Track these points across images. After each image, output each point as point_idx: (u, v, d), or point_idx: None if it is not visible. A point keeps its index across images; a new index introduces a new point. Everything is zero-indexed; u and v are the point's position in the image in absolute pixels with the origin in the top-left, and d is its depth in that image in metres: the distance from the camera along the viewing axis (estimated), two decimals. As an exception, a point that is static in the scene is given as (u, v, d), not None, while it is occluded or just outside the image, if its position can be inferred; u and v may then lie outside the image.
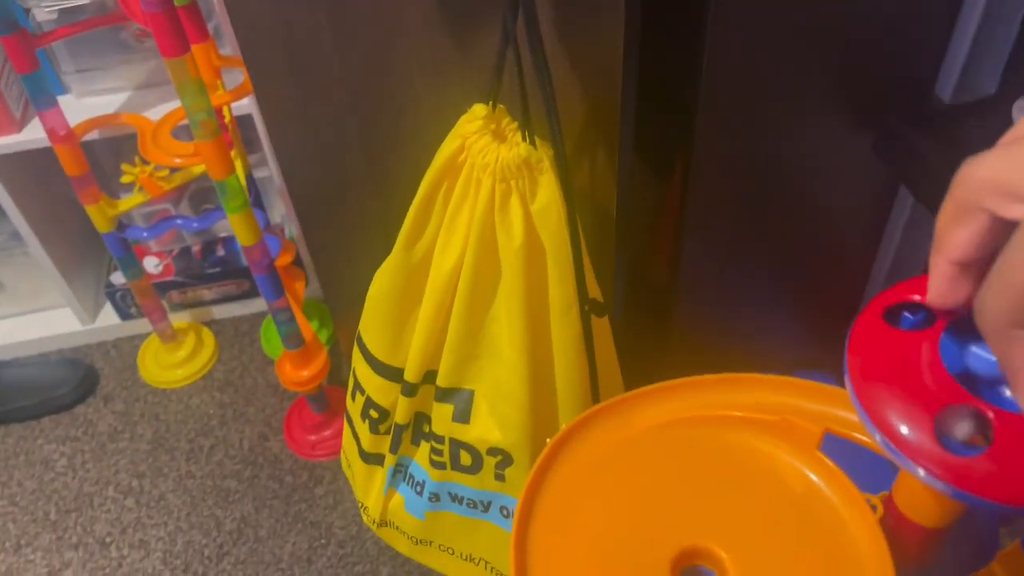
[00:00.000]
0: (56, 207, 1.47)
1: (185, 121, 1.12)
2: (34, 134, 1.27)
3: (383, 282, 0.63)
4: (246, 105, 1.30)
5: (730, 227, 0.67)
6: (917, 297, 0.36)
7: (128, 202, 1.28)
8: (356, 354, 0.69)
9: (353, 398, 0.71)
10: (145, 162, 1.22)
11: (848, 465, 0.44)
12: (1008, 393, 0.35)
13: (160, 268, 1.53)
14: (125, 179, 1.23)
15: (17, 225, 1.41)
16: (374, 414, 0.68)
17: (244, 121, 1.34)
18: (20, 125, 1.28)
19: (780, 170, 0.68)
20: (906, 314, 0.38)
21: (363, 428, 0.70)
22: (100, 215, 1.27)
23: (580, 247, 0.57)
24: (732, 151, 0.67)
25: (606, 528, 0.43)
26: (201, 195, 1.51)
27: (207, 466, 1.40)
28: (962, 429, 0.34)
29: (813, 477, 0.43)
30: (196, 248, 1.56)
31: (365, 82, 0.70)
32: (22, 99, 1.30)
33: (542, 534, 0.43)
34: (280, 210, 1.58)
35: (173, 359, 1.53)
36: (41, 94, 1.13)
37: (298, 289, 1.43)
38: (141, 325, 1.58)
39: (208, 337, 1.58)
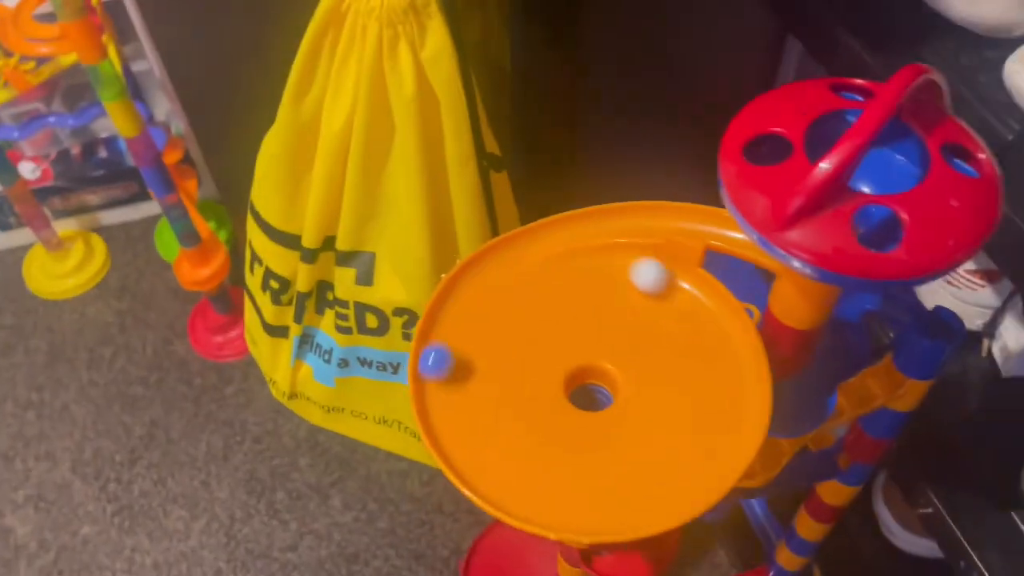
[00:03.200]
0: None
1: (46, 4, 1.04)
2: None
3: (272, 145, 0.60)
4: (114, -12, 1.22)
5: (620, 77, 0.67)
6: (775, 128, 0.37)
7: (-7, 98, 1.19)
8: (251, 224, 0.67)
9: (252, 270, 0.70)
10: (9, 54, 1.13)
11: (729, 283, 0.46)
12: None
13: (38, 173, 1.44)
14: (-13, 73, 1.14)
15: None
16: (275, 284, 0.67)
17: (114, 8, 1.25)
18: None
19: (668, 19, 0.68)
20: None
21: (264, 300, 0.69)
22: (-38, 114, 1.18)
23: (475, 99, 0.56)
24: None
25: (501, 355, 0.44)
26: (75, 92, 1.41)
27: (110, 374, 1.37)
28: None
29: (695, 292, 0.45)
30: (76, 151, 1.47)
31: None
32: None
33: (438, 385, 0.43)
34: (164, 107, 1.49)
35: (62, 268, 1.46)
36: None
37: (190, 188, 1.37)
38: (23, 235, 1.49)
39: (98, 244, 1.51)
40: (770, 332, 0.46)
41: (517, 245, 0.47)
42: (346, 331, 0.67)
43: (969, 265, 0.72)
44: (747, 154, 0.37)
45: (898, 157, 0.38)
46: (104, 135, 1.48)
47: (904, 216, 0.34)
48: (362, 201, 0.60)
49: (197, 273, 1.26)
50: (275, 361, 0.74)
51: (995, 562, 0.67)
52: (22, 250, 1.50)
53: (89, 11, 0.94)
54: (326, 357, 0.69)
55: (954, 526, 0.68)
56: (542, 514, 0.39)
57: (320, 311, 0.69)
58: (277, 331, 0.73)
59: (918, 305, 0.55)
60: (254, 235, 0.68)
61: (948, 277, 0.74)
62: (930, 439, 0.73)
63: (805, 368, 0.51)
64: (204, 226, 1.26)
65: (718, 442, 0.41)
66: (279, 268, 0.67)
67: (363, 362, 0.69)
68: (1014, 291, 0.71)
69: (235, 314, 1.37)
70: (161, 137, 1.20)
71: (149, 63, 1.39)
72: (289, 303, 0.69)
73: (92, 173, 1.46)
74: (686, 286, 0.45)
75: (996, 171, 0.36)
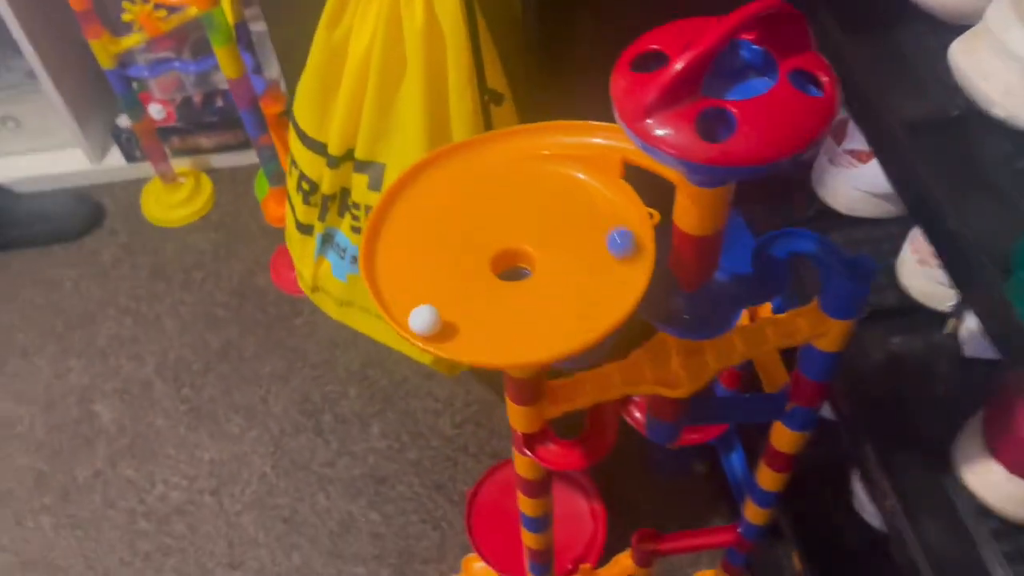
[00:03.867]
0: (67, 50, 1.57)
1: (177, -44, 1.21)
2: (43, -31, 1.36)
3: (309, 65, 0.72)
4: (240, -46, 1.38)
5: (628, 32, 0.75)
6: (655, 46, 0.45)
7: (129, 40, 1.38)
8: (291, 134, 0.79)
9: (290, 174, 0.82)
10: (145, 0, 1.31)
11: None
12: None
13: (163, 114, 1.64)
14: (126, 17, 1.33)
15: (32, 63, 1.52)
16: (305, 186, 0.79)
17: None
18: (31, -39, 1.37)
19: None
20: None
21: (297, 200, 0.81)
22: (103, 50, 1.37)
23: (478, 37, 0.66)
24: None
25: (440, 241, 0.53)
26: (202, 44, 1.60)
27: (199, 295, 1.54)
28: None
29: (612, 195, 0.53)
30: (197, 98, 1.66)
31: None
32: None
33: (388, 248, 0.53)
34: (277, 67, 1.66)
35: (173, 200, 1.65)
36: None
37: (286, 138, 1.53)
38: (145, 169, 1.69)
39: (206, 183, 1.69)
40: (676, 239, 0.54)
41: (467, 153, 0.57)
42: (358, 231, 0.78)
43: (938, 244, 0.77)
44: (634, 67, 0.45)
45: (757, 79, 0.45)
46: (223, 87, 1.66)
47: (737, 116, 0.42)
48: (377, 118, 0.70)
49: (281, 210, 1.40)
50: (303, 256, 0.86)
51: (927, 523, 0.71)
52: (142, 181, 1.70)
53: (208, -36, 1.10)
54: (342, 254, 0.80)
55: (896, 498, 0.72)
56: (456, 347, 0.48)
57: (341, 214, 0.80)
58: (305, 229, 0.84)
59: (842, 252, 0.62)
60: (293, 142, 0.80)
61: (920, 256, 0.79)
62: (888, 412, 0.78)
63: (719, 281, 0.58)
64: (292, 170, 1.41)
65: (604, 302, 0.49)
66: (309, 171, 0.79)
67: (372, 261, 0.79)
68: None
69: (312, 255, 1.52)
70: (260, 84, 1.36)
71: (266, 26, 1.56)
72: (316, 204, 0.80)
73: (208, 119, 1.64)
74: (604, 190, 0.54)
75: (835, 96, 0.44)
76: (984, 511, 0.69)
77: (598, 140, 0.55)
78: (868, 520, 0.94)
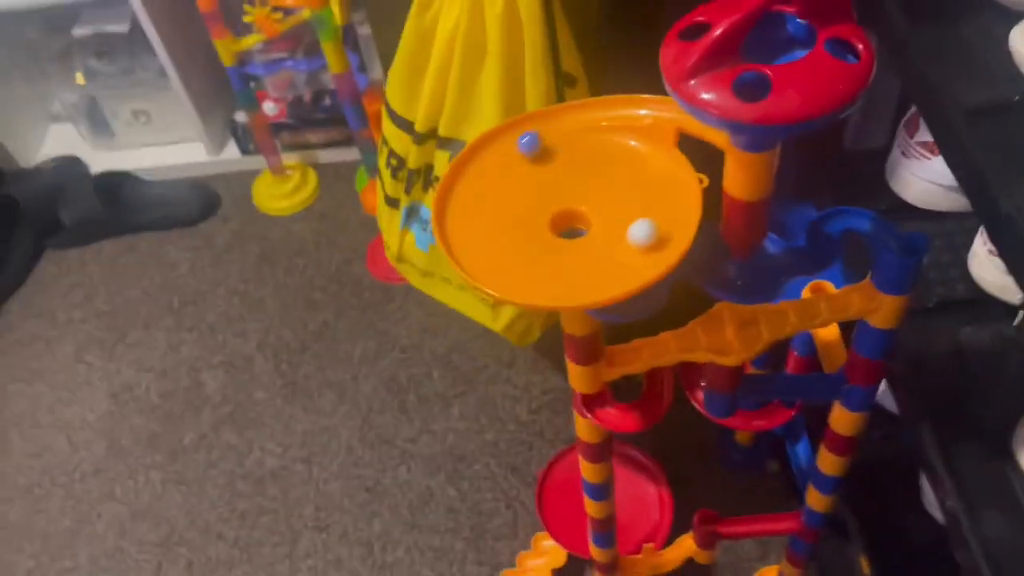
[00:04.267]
0: (193, 50, 1.71)
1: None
2: (176, -25, 1.49)
3: (401, 48, 0.79)
4: (352, -39, 1.48)
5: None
6: (702, 18, 0.49)
7: (248, 40, 1.49)
8: (383, 114, 0.86)
9: (381, 152, 0.89)
10: (263, 3, 1.42)
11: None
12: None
13: (276, 111, 1.76)
14: (247, 18, 1.44)
15: (164, 63, 1.66)
16: (394, 162, 0.85)
17: (351, -23, 1.52)
18: (166, -32, 1.51)
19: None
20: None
21: (386, 175, 0.87)
22: (225, 49, 1.49)
23: (554, 20, 0.71)
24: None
25: (505, 203, 0.58)
26: (315, 47, 1.71)
27: (300, 279, 1.64)
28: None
29: (666, 162, 0.57)
30: (307, 97, 1.78)
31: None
32: (169, -54, 1.52)
33: (458, 209, 0.59)
34: (380, 70, 1.76)
35: (281, 191, 1.76)
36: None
37: (388, 135, 1.62)
38: (257, 161, 1.82)
39: (312, 176, 1.80)
40: (726, 206, 0.58)
41: (532, 124, 0.62)
42: (440, 203, 0.85)
43: (1007, 234, 0.77)
44: (682, 37, 0.50)
45: (797, 49, 0.49)
46: (331, 87, 1.77)
47: (773, 79, 0.45)
48: (460, 99, 0.76)
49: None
50: (390, 227, 0.92)
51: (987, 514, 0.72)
52: (254, 173, 1.83)
53: (321, -32, 1.20)
54: (424, 226, 0.87)
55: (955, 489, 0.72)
56: (503, 285, 0.53)
57: (425, 188, 0.86)
58: (392, 202, 0.91)
59: (894, 229, 0.64)
60: (384, 121, 0.87)
61: (991, 247, 0.79)
62: (952, 400, 0.78)
63: (771, 253, 0.61)
64: (390, 163, 1.49)
65: (651, 260, 0.53)
66: (398, 148, 0.85)
67: (451, 232, 0.85)
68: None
69: (406, 245, 1.60)
70: (363, 81, 1.45)
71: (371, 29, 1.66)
72: (403, 180, 0.87)
73: (316, 116, 1.75)
74: (660, 157, 0.58)
75: (871, 62, 0.47)
76: (1042, 498, 0.69)
77: (654, 112, 0.59)
78: (937, 516, 0.94)
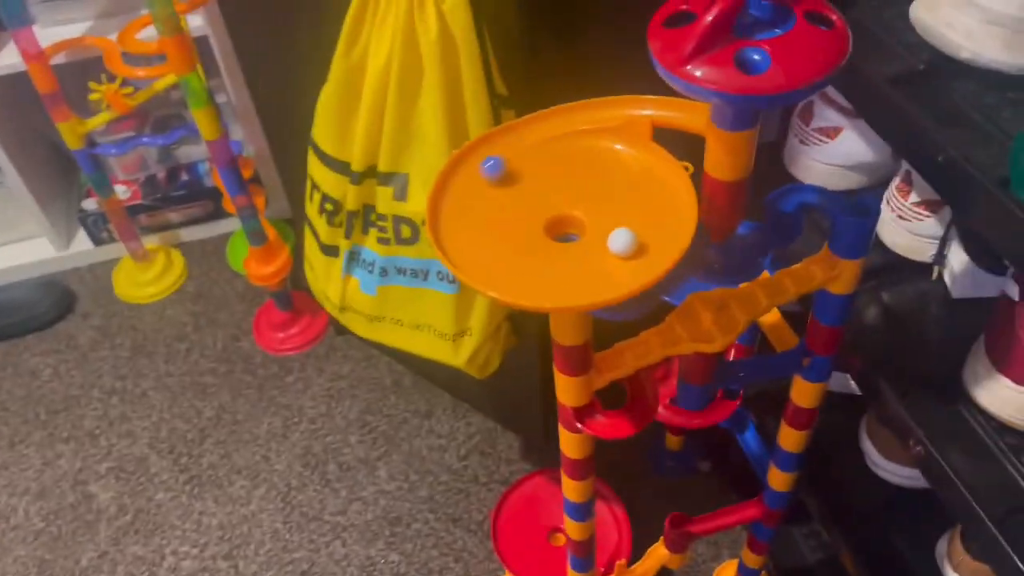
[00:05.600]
0: (29, 140, 1.58)
1: (148, 28, 1.25)
2: (7, 59, 1.38)
3: (328, 88, 0.76)
4: (201, 27, 1.43)
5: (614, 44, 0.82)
6: (684, 6, 0.51)
7: (97, 119, 1.40)
8: (311, 158, 0.82)
9: (311, 199, 0.85)
10: (111, 79, 1.34)
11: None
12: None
13: (128, 194, 1.65)
14: (93, 96, 1.35)
15: (-5, 156, 1.52)
16: (329, 207, 0.82)
17: (200, 44, 1.47)
18: (-8, 53, 1.39)
19: None
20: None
21: (321, 223, 0.84)
22: (71, 132, 1.39)
23: (486, 44, 0.71)
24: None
25: (497, 210, 0.57)
26: (163, 122, 1.63)
27: (184, 366, 1.53)
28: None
29: (646, 157, 0.58)
30: (161, 175, 1.68)
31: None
32: (-8, 30, 1.41)
33: (450, 209, 0.57)
34: (239, 135, 1.70)
35: (145, 277, 1.65)
36: (14, 15, 1.25)
37: (259, 203, 1.55)
38: (113, 250, 1.69)
39: (177, 257, 1.70)
40: (707, 189, 0.60)
41: (511, 133, 0.61)
42: (385, 242, 0.82)
43: (914, 197, 0.84)
44: (666, 26, 0.51)
45: (778, 29, 0.51)
46: (185, 161, 1.69)
47: (770, 51, 0.48)
48: (399, 130, 0.75)
49: (263, 270, 1.43)
50: (328, 278, 0.88)
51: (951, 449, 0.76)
52: (111, 262, 1.70)
53: (184, 31, 1.14)
54: (369, 268, 0.83)
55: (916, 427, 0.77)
56: (502, 287, 0.52)
57: (365, 231, 0.83)
58: (331, 250, 0.87)
59: (842, 198, 0.68)
60: (313, 166, 0.83)
61: (899, 212, 0.86)
62: (895, 358, 0.84)
63: (741, 235, 0.64)
64: (271, 229, 1.43)
65: (652, 254, 0.54)
66: (333, 191, 0.82)
67: (399, 270, 0.82)
68: (952, 219, 0.83)
69: (295, 313, 1.53)
70: (237, 146, 1.39)
71: (227, 95, 1.60)
72: (340, 224, 0.83)
73: (175, 193, 1.66)
74: (638, 154, 0.59)
75: (846, 27, 0.50)
76: (1000, 428, 0.74)
77: (626, 111, 0.60)
78: (882, 476, 0.99)
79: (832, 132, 0.92)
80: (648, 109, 0.60)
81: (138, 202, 1.65)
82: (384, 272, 0.83)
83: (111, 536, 1.31)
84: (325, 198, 0.83)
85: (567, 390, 0.70)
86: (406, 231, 0.79)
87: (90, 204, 1.64)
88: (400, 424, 1.41)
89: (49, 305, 1.61)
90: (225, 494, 1.35)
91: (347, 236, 0.84)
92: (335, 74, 0.76)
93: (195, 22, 1.43)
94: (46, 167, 1.64)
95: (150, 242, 1.70)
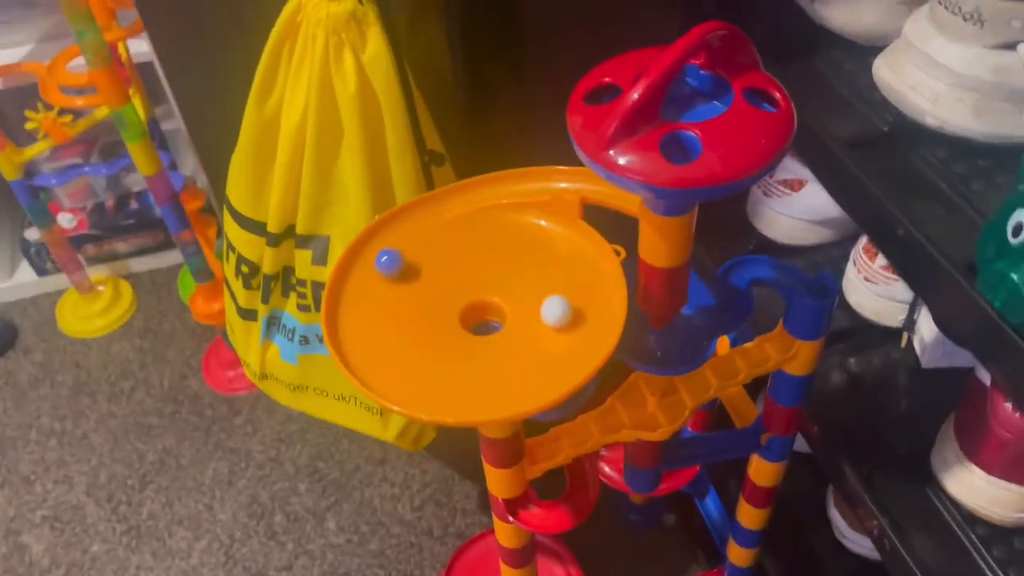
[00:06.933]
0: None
1: (80, 58, 1.18)
2: (-64, 85, 1.31)
3: (241, 143, 0.70)
4: (147, 53, 1.36)
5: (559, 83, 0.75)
6: (608, 79, 0.45)
7: (34, 148, 1.32)
8: (226, 216, 0.76)
9: (227, 259, 0.79)
10: (48, 107, 1.27)
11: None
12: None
13: (74, 223, 1.57)
14: (29, 125, 1.28)
15: (-73, 184, 1.45)
16: (245, 269, 0.75)
17: (146, 70, 1.40)
18: (-78, 78, 1.32)
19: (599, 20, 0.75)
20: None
21: (237, 285, 0.77)
22: (6, 162, 1.31)
23: (412, 98, 0.65)
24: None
25: (405, 300, 0.51)
26: (110, 148, 1.56)
27: (128, 406, 1.46)
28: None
29: (574, 237, 0.52)
30: (110, 203, 1.61)
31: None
32: (-77, 54, 1.34)
33: (351, 309, 0.51)
34: (192, 163, 1.63)
35: (91, 310, 1.57)
36: (-60, 41, 1.18)
37: (210, 234, 1.48)
38: (58, 281, 1.62)
39: (126, 288, 1.62)
40: (642, 274, 0.53)
41: (429, 205, 0.55)
42: (305, 309, 0.75)
43: (881, 260, 0.78)
44: (588, 102, 0.45)
45: (715, 103, 0.45)
46: (136, 189, 1.61)
47: (701, 137, 0.42)
48: (317, 190, 0.68)
49: (209, 307, 1.36)
50: (247, 343, 0.82)
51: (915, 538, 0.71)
52: (57, 294, 1.63)
53: (115, 62, 1.08)
54: (290, 336, 0.77)
55: (877, 511, 0.71)
56: (422, 404, 0.46)
57: (285, 294, 0.77)
58: (249, 314, 0.81)
59: (801, 273, 0.62)
60: (228, 225, 0.77)
61: (865, 273, 0.80)
62: (859, 432, 0.78)
63: (686, 316, 0.58)
64: (218, 265, 1.37)
65: (580, 349, 0.47)
66: (248, 253, 0.76)
67: (321, 339, 0.76)
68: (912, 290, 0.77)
69: (246, 350, 1.46)
70: (179, 180, 1.32)
71: (177, 122, 1.53)
72: (258, 287, 0.77)
73: (123, 223, 1.59)
74: (566, 232, 0.53)
75: (790, 109, 0.44)
76: (971, 518, 0.69)
77: (554, 184, 0.54)
78: (851, 548, 0.93)
79: (796, 184, 0.86)
80: (578, 183, 0.54)
81: (84, 232, 1.58)
82: (305, 340, 0.76)
83: (41, 592, 1.24)
84: (241, 259, 0.76)
85: (498, 482, 0.63)
86: (328, 298, 0.73)
87: (33, 234, 1.57)
88: (352, 472, 1.34)
89: (-11, 339, 1.53)
90: (164, 547, 1.28)
91: (264, 300, 0.77)
92: (247, 128, 0.69)
93: (141, 47, 1.36)
94: (-13, 194, 1.57)
95: (98, 272, 1.62)
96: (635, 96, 0.41)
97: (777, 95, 0.44)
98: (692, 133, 0.42)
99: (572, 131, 0.45)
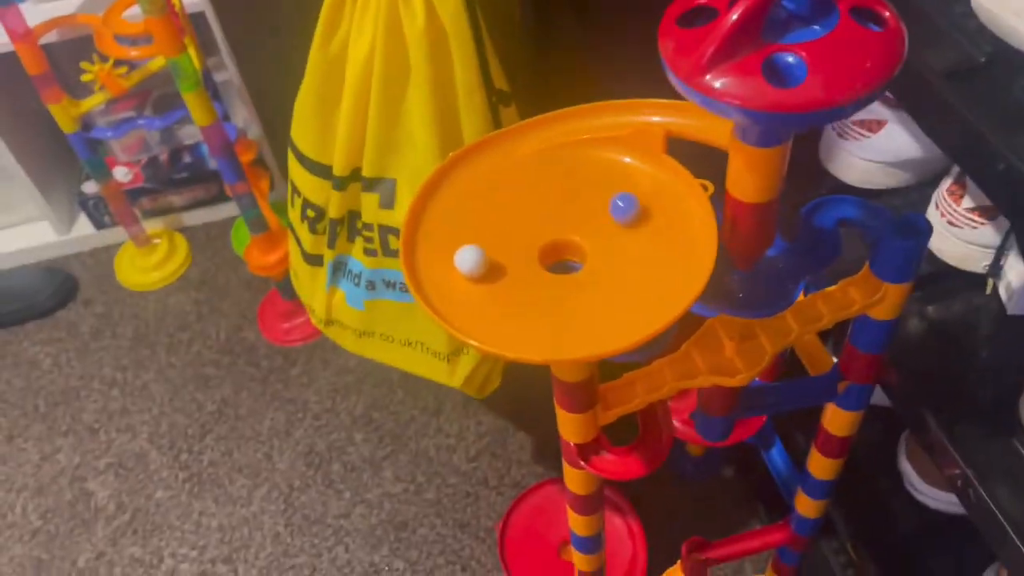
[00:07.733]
0: (25, 120, 1.52)
1: (134, 8, 1.18)
2: (-6, 39, 1.31)
3: (306, 84, 0.69)
4: (199, 3, 1.35)
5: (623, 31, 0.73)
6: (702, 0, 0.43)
7: (90, 101, 1.33)
8: (291, 160, 0.75)
9: (292, 203, 0.78)
10: (104, 59, 1.27)
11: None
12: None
13: (130, 176, 1.59)
14: (85, 77, 1.28)
15: (-11, 138, 1.46)
16: (311, 213, 0.75)
17: (198, 20, 1.39)
18: (-20, 31, 1.32)
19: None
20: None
21: (303, 230, 0.76)
22: (64, 114, 1.32)
23: (481, 35, 0.63)
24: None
25: (482, 237, 0.50)
26: (165, 101, 1.56)
27: (186, 357, 1.48)
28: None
29: (658, 173, 0.50)
30: (163, 156, 1.62)
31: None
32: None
33: (428, 249, 0.50)
34: (243, 115, 1.63)
35: (148, 263, 1.59)
36: (-3, -8, 1.18)
37: (263, 186, 1.48)
38: (116, 234, 1.64)
39: (181, 242, 1.64)
40: (730, 211, 0.51)
41: (504, 142, 0.53)
42: (372, 253, 0.74)
43: (968, 203, 0.75)
44: (680, 24, 0.42)
45: (814, 27, 0.42)
46: (188, 142, 1.62)
47: (807, 59, 0.39)
48: (383, 131, 0.67)
49: (265, 259, 1.36)
50: (313, 289, 0.81)
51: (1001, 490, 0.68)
52: (115, 247, 1.65)
53: (170, 10, 1.07)
54: (356, 281, 0.76)
55: (961, 461, 0.69)
56: (503, 341, 0.44)
57: (351, 239, 0.76)
58: (314, 260, 0.80)
59: (890, 212, 0.59)
60: (293, 169, 0.76)
61: (949, 217, 0.77)
62: (941, 380, 0.75)
63: (770, 258, 0.55)
64: (272, 217, 1.36)
65: (664, 289, 0.46)
66: (314, 197, 0.75)
67: (388, 284, 0.75)
68: (1011, 227, 0.73)
69: (299, 302, 1.47)
70: (232, 130, 1.32)
71: (229, 74, 1.52)
72: (324, 232, 0.76)
73: (177, 176, 1.59)
74: (649, 168, 0.51)
75: (900, 28, 0.41)
76: (1060, 469, 0.66)
77: (636, 117, 0.52)
78: (922, 501, 0.91)
79: (874, 125, 0.83)
80: (662, 116, 0.52)
81: (140, 185, 1.59)
82: (371, 285, 0.75)
83: (108, 536, 1.27)
84: (307, 204, 0.75)
85: (570, 427, 0.62)
86: (394, 242, 0.72)
87: (90, 187, 1.58)
88: (407, 422, 1.35)
89: (51, 292, 1.56)
90: (226, 494, 1.30)
91: (331, 245, 0.76)
92: (312, 68, 0.68)
93: (193, -2, 1.34)
94: (45, 148, 1.58)
95: (153, 226, 1.64)
96: (735, 15, 0.39)
97: (885, 14, 0.41)
98: (797, 54, 0.39)
99: (664, 55, 0.42)
